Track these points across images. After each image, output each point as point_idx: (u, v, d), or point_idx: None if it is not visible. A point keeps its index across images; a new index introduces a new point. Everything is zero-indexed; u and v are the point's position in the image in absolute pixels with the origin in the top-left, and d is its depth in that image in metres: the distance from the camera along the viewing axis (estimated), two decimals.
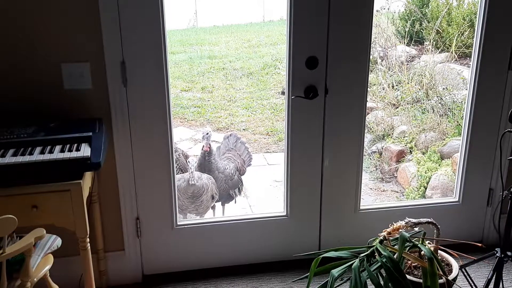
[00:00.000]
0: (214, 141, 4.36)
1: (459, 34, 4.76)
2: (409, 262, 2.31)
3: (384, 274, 2.04)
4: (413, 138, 4.43)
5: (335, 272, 2.06)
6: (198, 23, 7.86)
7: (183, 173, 3.56)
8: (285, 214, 2.80)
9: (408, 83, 4.81)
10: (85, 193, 2.05)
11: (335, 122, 2.65)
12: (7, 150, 2.00)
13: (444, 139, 4.31)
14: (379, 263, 2.05)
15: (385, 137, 4.61)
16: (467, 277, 2.36)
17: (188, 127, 5.34)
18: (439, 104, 4.54)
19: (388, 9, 5.31)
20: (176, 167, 2.78)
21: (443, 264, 2.30)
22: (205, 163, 3.60)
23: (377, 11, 5.21)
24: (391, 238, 2.19)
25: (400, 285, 1.98)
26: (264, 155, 4.87)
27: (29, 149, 2.00)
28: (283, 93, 2.65)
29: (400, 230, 2.17)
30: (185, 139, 5.11)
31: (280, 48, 6.70)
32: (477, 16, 2.67)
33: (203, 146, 3.61)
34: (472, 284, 2.40)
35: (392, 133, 4.60)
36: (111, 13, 2.28)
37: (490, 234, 3.03)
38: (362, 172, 2.82)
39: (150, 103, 2.45)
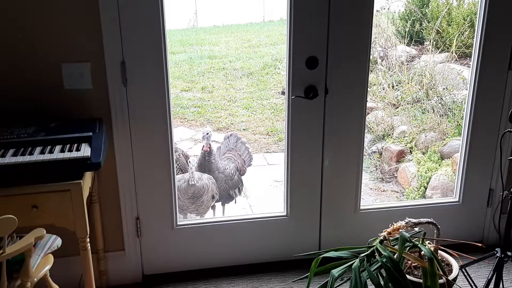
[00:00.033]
0: (214, 141, 4.36)
1: (459, 34, 4.76)
2: (409, 262, 2.31)
3: (384, 274, 2.04)
4: (413, 138, 4.43)
5: (335, 272, 2.06)
6: (198, 23, 7.86)
7: (183, 173, 3.56)
8: (285, 214, 2.80)
9: (408, 83, 4.81)
10: (85, 193, 2.05)
11: (335, 122, 2.65)
12: (7, 150, 2.00)
13: (444, 139, 4.31)
14: (379, 263, 2.05)
15: (385, 137, 4.61)
16: (467, 277, 2.36)
17: (188, 127, 5.34)
18: (439, 104, 4.54)
19: (388, 9, 5.31)
20: (176, 167, 2.78)
21: (443, 264, 2.30)
22: (205, 163, 3.60)
23: (377, 11, 5.21)
24: (391, 238, 2.19)
25: (400, 285, 1.98)
26: (264, 155, 4.87)
27: (29, 149, 2.00)
28: (283, 93, 2.65)
29: (400, 230, 2.17)
30: (185, 139, 5.11)
31: (280, 48, 6.70)
32: (477, 16, 2.67)
33: (203, 146, 3.61)
34: (472, 284, 2.40)
35: (392, 133, 4.60)
36: (111, 13, 2.28)
37: (490, 234, 3.03)
38: (362, 172, 2.82)
39: (150, 103, 2.45)
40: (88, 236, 2.06)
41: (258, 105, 5.64)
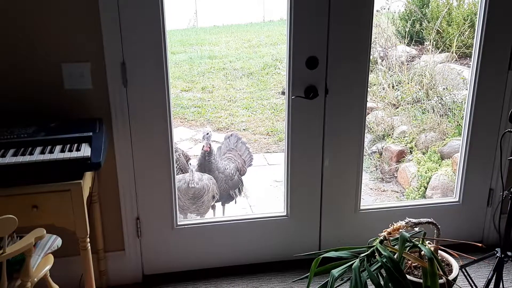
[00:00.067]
0: (214, 141, 4.36)
1: (459, 34, 4.76)
2: (409, 262, 2.31)
3: (384, 274, 2.04)
4: (413, 138, 4.43)
5: (335, 272, 2.06)
6: (198, 23, 7.86)
7: (183, 173, 3.56)
8: (285, 214, 2.80)
9: (408, 83, 4.81)
10: (85, 193, 2.05)
11: (335, 122, 2.65)
12: (8, 150, 2.00)
13: (444, 139, 4.31)
14: (379, 263, 2.05)
15: (385, 137, 4.61)
16: (467, 277, 2.36)
17: (188, 127, 5.34)
18: (439, 104, 4.54)
19: (388, 9, 5.31)
20: (176, 167, 2.78)
21: (443, 264, 2.30)
22: (205, 163, 3.60)
23: (377, 11, 5.21)
24: (391, 238, 2.19)
25: (400, 285, 1.98)
26: (264, 155, 4.87)
27: (29, 149, 2.00)
28: (283, 93, 2.65)
29: (400, 230, 2.17)
30: (185, 139, 5.11)
31: (280, 48, 6.70)
32: (477, 16, 2.67)
33: (203, 146, 3.61)
34: (472, 284, 2.40)
35: (392, 133, 4.60)
36: (111, 13, 2.28)
37: (490, 234, 3.03)
38: (362, 172, 2.82)
39: (150, 103, 2.45)
40: (88, 236, 2.06)
41: (258, 105, 5.64)
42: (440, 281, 2.08)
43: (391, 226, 2.21)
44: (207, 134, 3.60)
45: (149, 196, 2.61)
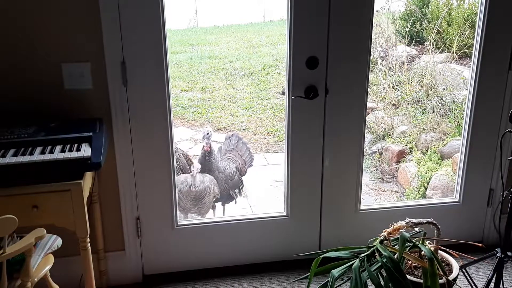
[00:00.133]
0: (214, 141, 4.36)
1: (459, 34, 4.76)
2: (410, 262, 2.31)
3: (384, 274, 2.04)
4: (413, 138, 4.43)
5: (336, 272, 2.06)
6: (199, 23, 7.85)
7: (183, 173, 3.57)
8: (285, 214, 2.80)
9: (408, 83, 4.81)
10: (86, 193, 2.05)
11: (336, 122, 2.65)
12: (8, 150, 2.00)
13: (444, 139, 4.31)
14: (380, 263, 2.05)
15: (385, 137, 4.60)
16: (468, 277, 2.36)
17: (189, 127, 5.34)
18: (440, 104, 4.54)
19: (388, 9, 5.31)
20: (176, 167, 2.78)
21: (443, 264, 2.30)
22: (206, 163, 3.60)
23: (377, 11, 5.21)
24: (391, 238, 2.19)
25: (400, 285, 1.98)
26: (264, 155, 4.87)
27: (29, 149, 2.01)
28: (283, 93, 2.65)
29: (401, 230, 2.17)
30: (186, 139, 5.11)
31: (280, 48, 6.70)
32: (478, 17, 2.67)
33: (204, 146, 3.62)
34: (473, 284, 2.40)
35: (393, 133, 4.59)
36: (111, 13, 2.28)
37: (490, 234, 3.03)
38: (363, 172, 2.82)
39: (150, 103, 2.45)
40: (88, 236, 2.06)
41: (259, 105, 5.64)
42: (440, 281, 2.08)
43: (391, 226, 2.21)
44: (208, 134, 3.60)
45: (149, 196, 2.61)
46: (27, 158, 1.94)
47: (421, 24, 5.00)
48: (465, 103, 2.97)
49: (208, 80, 6.05)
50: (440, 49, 4.89)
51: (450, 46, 4.84)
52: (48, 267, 2.10)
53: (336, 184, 2.76)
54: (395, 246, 2.18)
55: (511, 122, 2.18)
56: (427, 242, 2.26)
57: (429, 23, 4.96)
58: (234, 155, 3.83)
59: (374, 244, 2.15)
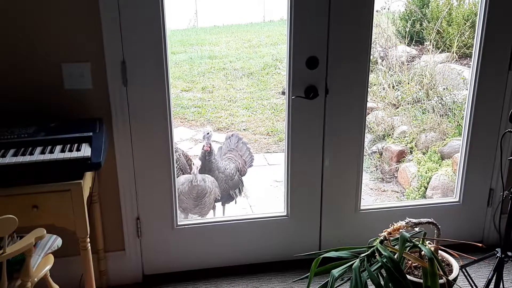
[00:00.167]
0: (214, 141, 4.36)
1: (459, 34, 4.76)
2: (410, 262, 2.31)
3: (384, 274, 2.04)
4: (413, 138, 4.43)
5: (336, 272, 2.06)
6: (199, 23, 7.86)
7: (183, 173, 3.57)
8: (285, 214, 2.80)
9: (408, 83, 4.81)
10: (86, 193, 2.05)
11: (336, 122, 2.65)
12: (8, 150, 2.00)
13: (444, 139, 4.31)
14: (380, 263, 2.05)
15: (385, 137, 4.61)
16: (468, 277, 2.36)
17: (189, 127, 5.34)
18: (440, 104, 4.54)
19: (388, 9, 5.31)
20: (176, 167, 2.78)
21: (443, 264, 2.30)
22: (206, 163, 3.60)
23: (377, 11, 5.21)
24: (391, 238, 2.19)
25: (400, 285, 1.98)
26: (264, 155, 4.87)
27: (29, 149, 2.00)
28: (283, 93, 2.65)
29: (401, 230, 2.17)
30: (186, 139, 5.11)
31: (280, 48, 6.70)
32: (478, 17, 2.67)
33: (204, 146, 3.62)
34: (473, 284, 2.40)
35: (393, 133, 4.59)
36: (111, 13, 2.28)
37: (490, 234, 3.03)
38: (363, 172, 2.82)
39: (150, 103, 2.45)
40: (88, 236, 2.06)
41: (259, 105, 5.64)
42: (440, 281, 2.08)
43: (391, 226, 2.21)
44: (208, 133, 3.60)
45: (149, 196, 2.61)
46: (27, 158, 1.94)
47: (421, 24, 5.00)
48: (465, 103, 2.97)
49: (208, 80, 6.06)
50: (440, 49, 4.89)
51: (450, 46, 4.84)
52: (48, 267, 2.10)
53: (336, 184, 2.76)
54: (395, 246, 2.18)
55: (511, 122, 2.18)
56: (427, 242, 2.26)
57: (429, 23, 4.96)
58: (234, 155, 3.83)
59: (374, 244, 2.15)
